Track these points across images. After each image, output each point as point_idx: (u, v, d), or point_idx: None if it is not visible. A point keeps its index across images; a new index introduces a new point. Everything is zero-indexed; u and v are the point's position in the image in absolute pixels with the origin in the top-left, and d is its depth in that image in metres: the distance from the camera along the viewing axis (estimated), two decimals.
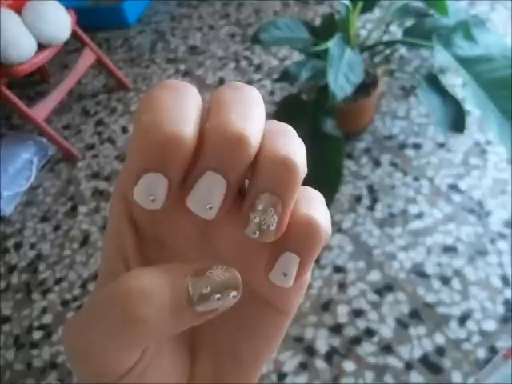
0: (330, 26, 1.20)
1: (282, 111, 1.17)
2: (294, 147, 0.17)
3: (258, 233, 0.16)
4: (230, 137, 0.15)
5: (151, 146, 0.15)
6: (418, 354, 0.95)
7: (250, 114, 0.16)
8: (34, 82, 1.84)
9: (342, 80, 1.02)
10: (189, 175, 0.16)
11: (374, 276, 1.07)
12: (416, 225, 1.14)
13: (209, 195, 0.16)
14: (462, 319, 0.97)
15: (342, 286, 1.07)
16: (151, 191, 0.16)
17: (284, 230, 0.17)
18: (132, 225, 0.18)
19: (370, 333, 0.99)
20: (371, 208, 1.19)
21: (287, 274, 0.17)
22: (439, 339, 0.96)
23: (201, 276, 0.15)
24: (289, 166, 0.16)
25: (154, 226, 0.18)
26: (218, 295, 0.15)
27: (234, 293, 0.15)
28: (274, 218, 0.16)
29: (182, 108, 0.16)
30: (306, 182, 0.17)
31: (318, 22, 1.71)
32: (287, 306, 0.20)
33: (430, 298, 1.01)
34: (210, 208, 0.16)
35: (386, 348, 0.96)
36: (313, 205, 0.17)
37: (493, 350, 0.93)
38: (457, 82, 1.39)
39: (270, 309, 0.20)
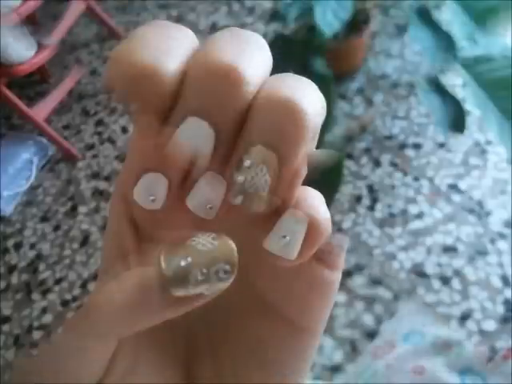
0: None
1: (272, 52, 1.15)
2: (304, 91, 0.13)
3: (240, 198, 0.13)
4: (216, 69, 0.12)
5: (121, 79, 0.12)
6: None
7: (249, 52, 0.13)
8: (33, 82, 1.84)
9: (330, 16, 1.00)
10: (189, 176, 0.14)
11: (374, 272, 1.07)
12: (416, 225, 1.14)
13: (209, 194, 0.14)
14: (462, 319, 0.97)
15: (342, 286, 1.07)
16: (151, 191, 0.14)
17: (281, 199, 0.13)
18: (132, 225, 0.17)
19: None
20: (371, 208, 1.19)
21: (289, 237, 0.13)
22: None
23: (179, 244, 0.12)
24: (292, 108, 0.12)
25: (154, 226, 0.17)
26: (203, 270, 0.11)
27: (226, 267, 0.12)
28: (265, 179, 0.13)
29: (169, 42, 0.13)
30: None
31: None
32: (306, 316, 0.16)
33: (430, 298, 1.01)
34: (211, 208, 0.14)
35: None
36: (313, 204, 0.15)
37: (493, 350, 0.93)
38: (457, 82, 1.39)
39: (283, 323, 0.16)
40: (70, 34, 1.66)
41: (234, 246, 0.12)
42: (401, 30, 1.45)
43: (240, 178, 0.13)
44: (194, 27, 1.69)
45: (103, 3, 1.79)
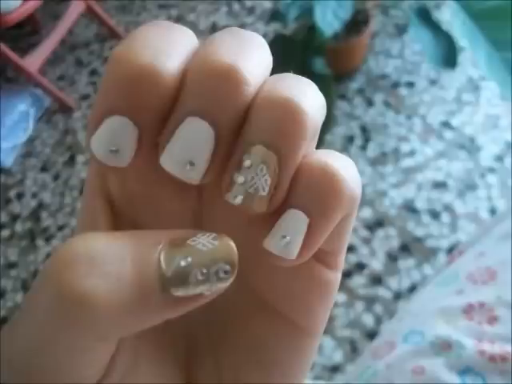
0: None
1: (272, 52, 1.16)
2: (304, 91, 0.13)
3: (241, 198, 0.13)
4: (216, 69, 0.12)
5: (120, 80, 0.12)
6: (406, 284, 0.98)
7: (249, 52, 0.13)
8: (25, 34, 1.82)
9: (330, 16, 1.00)
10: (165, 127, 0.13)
11: (366, 213, 1.09)
12: (407, 162, 1.15)
13: (190, 147, 0.12)
14: (450, 251, 1.00)
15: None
16: (114, 140, 0.12)
17: (281, 199, 0.13)
18: (108, 205, 0.15)
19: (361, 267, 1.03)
20: (363, 148, 1.20)
21: (289, 237, 0.13)
22: (427, 271, 0.99)
23: (179, 245, 0.12)
24: (292, 108, 0.12)
25: (132, 206, 0.15)
26: (203, 270, 0.11)
27: (226, 267, 0.12)
28: (265, 179, 0.12)
29: (169, 41, 0.13)
30: None
31: None
32: (306, 316, 0.16)
33: (420, 232, 1.04)
34: (192, 165, 0.12)
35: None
36: (329, 154, 0.13)
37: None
38: (449, 17, 1.36)
39: (283, 323, 0.16)
40: (70, 34, 1.65)
41: (234, 245, 0.12)
42: (401, 30, 1.42)
43: (240, 178, 0.12)
44: (193, 27, 1.66)
45: (103, 3, 1.76)
